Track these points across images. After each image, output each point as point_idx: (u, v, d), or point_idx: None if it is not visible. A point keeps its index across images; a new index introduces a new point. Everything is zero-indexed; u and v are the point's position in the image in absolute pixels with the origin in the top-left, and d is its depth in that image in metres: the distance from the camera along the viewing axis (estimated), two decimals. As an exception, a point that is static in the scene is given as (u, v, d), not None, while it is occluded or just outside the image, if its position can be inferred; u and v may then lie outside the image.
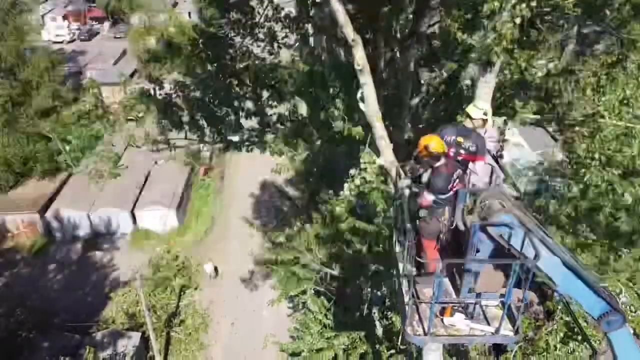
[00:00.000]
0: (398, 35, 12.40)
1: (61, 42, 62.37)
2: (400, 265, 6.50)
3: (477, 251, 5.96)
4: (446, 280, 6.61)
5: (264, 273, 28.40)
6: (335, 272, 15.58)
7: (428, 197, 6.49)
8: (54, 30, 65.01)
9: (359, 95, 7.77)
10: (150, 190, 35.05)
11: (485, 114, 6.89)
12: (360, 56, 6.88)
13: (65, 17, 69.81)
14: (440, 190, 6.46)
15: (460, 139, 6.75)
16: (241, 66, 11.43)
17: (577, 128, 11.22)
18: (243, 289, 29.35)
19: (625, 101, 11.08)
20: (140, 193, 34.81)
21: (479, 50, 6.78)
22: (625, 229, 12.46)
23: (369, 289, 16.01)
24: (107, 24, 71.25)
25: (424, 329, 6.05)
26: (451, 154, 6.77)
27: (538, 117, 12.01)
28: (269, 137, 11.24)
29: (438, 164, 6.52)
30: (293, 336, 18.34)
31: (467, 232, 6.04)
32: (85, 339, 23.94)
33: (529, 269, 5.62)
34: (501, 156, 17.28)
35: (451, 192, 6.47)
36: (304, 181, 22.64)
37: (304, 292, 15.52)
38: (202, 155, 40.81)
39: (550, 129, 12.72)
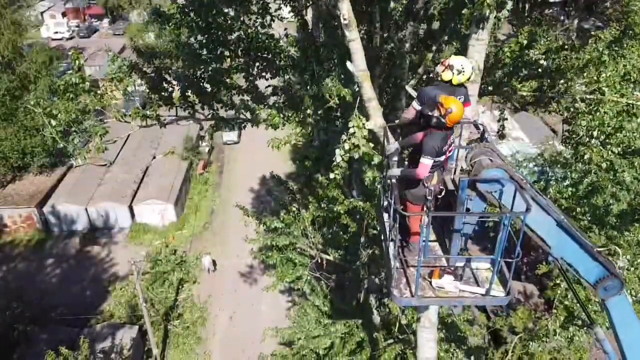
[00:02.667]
0: (393, 13, 12.16)
1: (60, 39, 62.35)
2: (387, 227, 6.25)
3: (467, 210, 5.72)
4: (435, 244, 6.39)
5: (263, 267, 28.30)
6: (331, 258, 15.36)
7: (426, 162, 5.95)
8: (53, 27, 65.09)
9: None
10: (148, 185, 34.96)
11: (472, 68, 6.54)
12: (347, 9, 6.59)
13: (64, 14, 69.96)
14: (437, 152, 6.00)
15: None
16: (232, 36, 11.13)
17: (577, 104, 10.95)
18: (241, 283, 29.26)
19: (627, 77, 10.83)
20: (138, 187, 34.70)
21: (470, 7, 6.51)
22: (624, 209, 12.22)
23: (366, 276, 15.79)
24: (106, 21, 71.29)
25: (411, 291, 5.82)
26: None
27: (537, 94, 11.73)
28: (264, 112, 10.91)
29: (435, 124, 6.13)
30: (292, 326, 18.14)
31: (457, 192, 5.80)
32: (83, 331, 23.81)
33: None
34: (503, 136, 17.14)
35: (444, 156, 6.12)
36: (300, 166, 22.46)
37: (299, 278, 15.29)
38: (200, 150, 40.88)
39: (551, 108, 12.44)
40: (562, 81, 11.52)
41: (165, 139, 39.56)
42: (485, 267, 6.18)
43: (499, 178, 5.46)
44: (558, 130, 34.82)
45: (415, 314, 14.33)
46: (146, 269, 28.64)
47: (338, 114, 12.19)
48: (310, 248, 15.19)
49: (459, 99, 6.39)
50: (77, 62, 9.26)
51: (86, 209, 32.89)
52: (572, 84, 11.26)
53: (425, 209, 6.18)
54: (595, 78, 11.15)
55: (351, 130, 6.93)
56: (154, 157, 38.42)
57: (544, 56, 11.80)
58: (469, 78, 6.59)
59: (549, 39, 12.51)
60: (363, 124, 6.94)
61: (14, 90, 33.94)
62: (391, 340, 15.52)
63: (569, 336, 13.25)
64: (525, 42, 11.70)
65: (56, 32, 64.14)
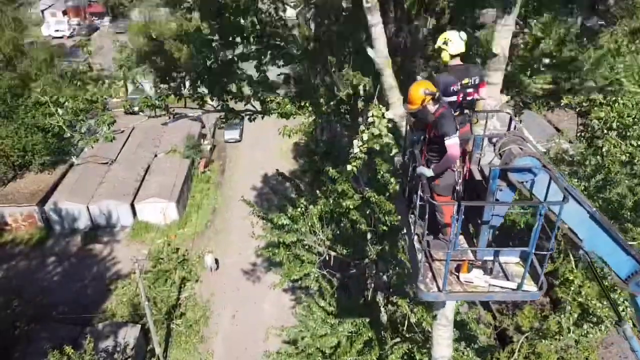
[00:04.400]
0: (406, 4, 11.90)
1: (61, 37, 62.00)
2: (411, 220, 5.98)
3: (496, 201, 5.47)
4: (461, 237, 6.12)
5: (266, 265, 28.05)
6: (340, 255, 15.06)
7: (454, 141, 5.67)
8: (54, 25, 64.81)
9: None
10: (150, 183, 34.69)
11: (462, 39, 6.31)
12: (370, -9, 6.38)
13: (65, 13, 69.73)
14: (455, 132, 5.75)
15: (466, 81, 6.22)
16: (246, 22, 10.81)
17: (593, 96, 10.68)
18: (244, 281, 29.02)
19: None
20: (140, 186, 34.45)
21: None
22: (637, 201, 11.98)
23: (374, 272, 15.52)
24: (107, 19, 71.04)
25: (438, 286, 5.56)
26: (460, 98, 6.27)
27: (552, 86, 11.47)
28: (278, 99, 10.63)
29: (435, 108, 5.93)
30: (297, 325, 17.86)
31: (485, 182, 5.54)
32: (84, 330, 23.60)
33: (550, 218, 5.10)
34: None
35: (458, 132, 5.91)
36: (304, 162, 22.20)
37: (306, 275, 14.99)
38: (202, 148, 40.64)
39: (563, 102, 12.15)
40: (576, 73, 11.26)
41: (166, 137, 39.35)
42: (514, 261, 5.92)
43: (531, 167, 5.21)
44: (562, 128, 34.76)
45: (424, 313, 14.09)
46: (148, 267, 28.45)
47: (348, 107, 11.93)
48: (318, 245, 14.90)
49: (474, 79, 6.18)
50: (85, 49, 9.01)
51: (88, 207, 32.63)
52: (588, 75, 10.99)
53: (454, 197, 5.95)
54: (610, 70, 10.90)
55: (370, 120, 6.66)
56: (156, 156, 38.21)
57: (558, 47, 11.56)
58: (466, 43, 6.37)
59: (559, 31, 12.28)
60: (383, 114, 6.68)
61: (15, 88, 33.65)
62: (398, 339, 15.27)
63: (583, 333, 12.99)
64: (539, 33, 11.44)
65: (57, 31, 63.80)
